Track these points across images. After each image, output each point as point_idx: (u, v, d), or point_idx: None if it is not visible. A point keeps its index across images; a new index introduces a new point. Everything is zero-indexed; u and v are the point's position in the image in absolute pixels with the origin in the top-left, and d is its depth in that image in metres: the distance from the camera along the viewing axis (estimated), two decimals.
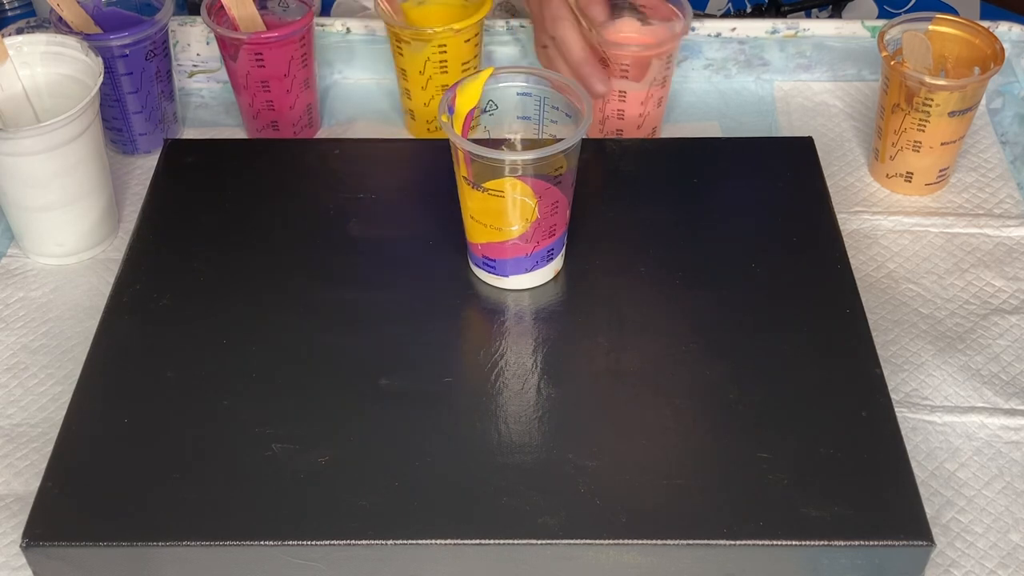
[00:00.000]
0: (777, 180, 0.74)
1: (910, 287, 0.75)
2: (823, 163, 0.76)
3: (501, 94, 0.66)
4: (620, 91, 0.80)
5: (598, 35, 0.77)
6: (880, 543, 0.55)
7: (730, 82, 0.92)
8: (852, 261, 0.69)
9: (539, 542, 0.55)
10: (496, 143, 0.67)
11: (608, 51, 0.78)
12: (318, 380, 0.63)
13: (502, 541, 0.55)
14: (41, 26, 0.96)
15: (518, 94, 0.66)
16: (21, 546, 0.56)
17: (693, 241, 0.71)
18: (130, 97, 0.82)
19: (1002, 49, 0.77)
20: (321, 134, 0.88)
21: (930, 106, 0.76)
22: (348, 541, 0.55)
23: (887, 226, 0.80)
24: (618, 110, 0.81)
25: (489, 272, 0.68)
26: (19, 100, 0.75)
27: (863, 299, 0.66)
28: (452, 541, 0.55)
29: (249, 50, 0.80)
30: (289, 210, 0.73)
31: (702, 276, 0.69)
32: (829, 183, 0.75)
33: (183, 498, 0.57)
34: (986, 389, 0.69)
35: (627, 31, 0.82)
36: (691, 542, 0.55)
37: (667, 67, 0.80)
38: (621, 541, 0.55)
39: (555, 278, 0.69)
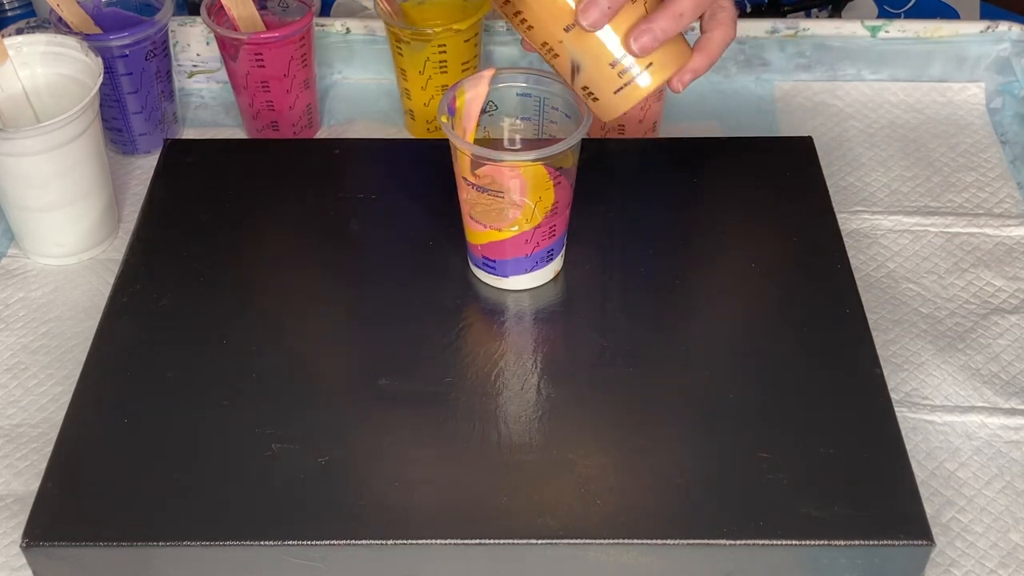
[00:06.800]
0: (777, 180, 0.74)
1: (910, 287, 0.75)
2: (823, 163, 0.76)
3: (501, 94, 0.66)
4: None
5: None
6: (880, 543, 0.55)
7: (730, 82, 0.92)
8: (852, 261, 0.69)
9: (539, 542, 0.55)
10: (496, 143, 0.67)
11: None
12: (318, 380, 0.63)
13: (502, 541, 0.55)
14: (41, 26, 0.96)
15: (518, 94, 0.66)
16: (21, 546, 0.56)
17: (693, 241, 0.71)
18: (130, 97, 0.82)
19: None
20: (321, 134, 0.88)
21: None
22: (348, 541, 0.55)
23: (887, 226, 0.80)
24: None
25: (489, 272, 0.68)
26: (19, 100, 0.75)
27: (863, 299, 0.66)
28: (452, 541, 0.55)
29: (249, 50, 0.80)
30: (289, 210, 0.73)
31: (702, 276, 0.69)
32: (829, 183, 0.75)
33: (183, 498, 0.57)
34: (986, 389, 0.69)
35: None
36: (691, 542, 0.55)
37: None
38: (621, 541, 0.55)
39: (555, 278, 0.69)
